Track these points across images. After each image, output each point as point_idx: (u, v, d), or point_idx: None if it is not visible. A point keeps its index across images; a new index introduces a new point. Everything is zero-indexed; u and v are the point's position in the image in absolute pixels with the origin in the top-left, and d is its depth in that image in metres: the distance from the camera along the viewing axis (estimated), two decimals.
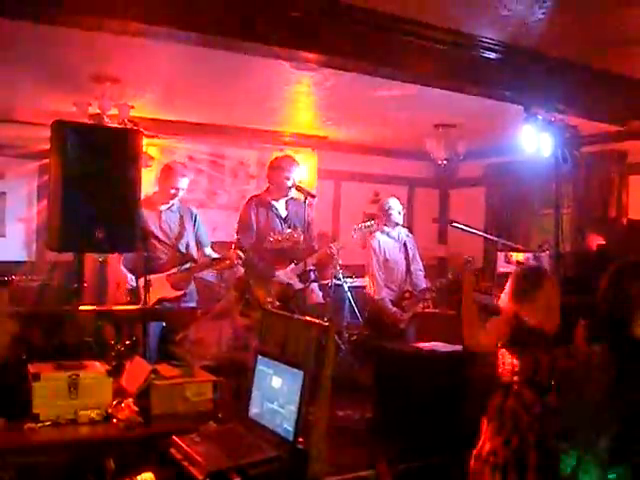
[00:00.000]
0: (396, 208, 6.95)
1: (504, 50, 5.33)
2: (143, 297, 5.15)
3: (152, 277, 5.18)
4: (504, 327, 3.75)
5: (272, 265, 5.99)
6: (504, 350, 3.77)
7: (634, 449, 3.28)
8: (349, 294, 8.22)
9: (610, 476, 3.14)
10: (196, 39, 4.56)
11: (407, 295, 6.87)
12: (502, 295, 3.90)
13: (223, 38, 4.51)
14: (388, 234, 6.95)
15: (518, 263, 7.44)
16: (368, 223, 6.58)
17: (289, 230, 5.94)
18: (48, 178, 4.41)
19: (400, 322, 6.74)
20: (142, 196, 4.76)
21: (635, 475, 3.27)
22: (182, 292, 5.85)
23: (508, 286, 3.84)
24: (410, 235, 7.21)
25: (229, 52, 5.06)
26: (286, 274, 5.99)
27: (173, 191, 5.96)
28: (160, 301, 5.64)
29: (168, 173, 6.06)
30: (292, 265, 6.02)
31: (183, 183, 6.01)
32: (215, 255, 6.04)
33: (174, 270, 5.81)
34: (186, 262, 5.84)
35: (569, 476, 3.39)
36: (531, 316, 3.72)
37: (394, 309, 6.76)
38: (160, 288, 5.63)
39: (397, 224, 6.98)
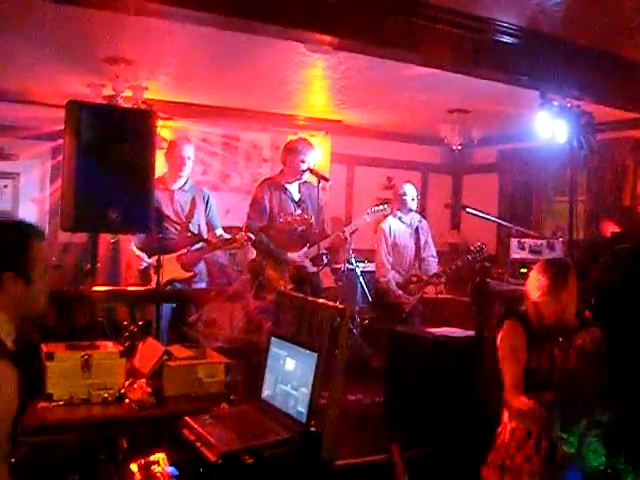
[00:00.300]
0: (410, 194, 6.96)
1: (521, 35, 5.28)
2: (155, 278, 5.16)
3: (162, 258, 5.17)
4: (521, 352, 3.64)
5: (284, 247, 5.98)
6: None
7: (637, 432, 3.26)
8: (361, 279, 8.20)
9: (617, 459, 3.13)
10: (211, 20, 4.54)
11: (414, 279, 6.89)
12: (532, 290, 3.77)
13: (238, 19, 4.48)
14: (400, 219, 6.98)
15: (530, 250, 7.40)
16: (381, 207, 6.60)
17: (300, 212, 5.93)
18: (62, 159, 4.40)
19: (405, 305, 6.77)
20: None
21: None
22: (192, 274, 5.83)
23: (539, 280, 3.73)
24: (423, 221, 7.22)
25: (243, 34, 5.05)
26: (299, 257, 5.99)
27: (178, 161, 5.93)
28: (170, 282, 5.62)
29: (172, 146, 6.07)
30: (305, 248, 6.02)
31: (187, 151, 5.98)
32: (227, 236, 6.02)
33: (184, 250, 5.79)
34: (197, 242, 5.83)
35: (574, 455, 3.37)
36: (557, 310, 3.66)
37: (399, 291, 6.82)
38: (170, 269, 5.61)
39: (410, 210, 6.99)
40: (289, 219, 5.77)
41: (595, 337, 3.59)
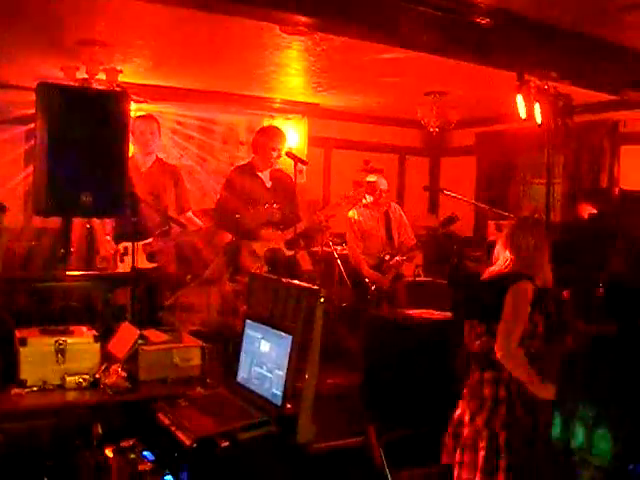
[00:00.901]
0: (380, 187, 7.08)
1: (498, 16, 5.26)
2: (121, 265, 5.11)
3: (129, 245, 5.07)
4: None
5: (258, 233, 5.95)
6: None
7: (618, 416, 3.28)
8: (339, 261, 8.19)
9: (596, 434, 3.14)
10: (184, 0, 4.49)
11: (387, 257, 6.93)
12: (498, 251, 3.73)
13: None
14: (367, 205, 7.06)
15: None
16: (353, 193, 6.64)
17: (272, 200, 5.89)
18: (34, 143, 4.33)
19: (380, 283, 6.85)
20: None
21: (616, 437, 3.26)
22: (157, 264, 5.71)
23: (520, 240, 3.62)
24: (393, 205, 7.35)
25: (218, 16, 4.98)
26: (274, 237, 5.95)
27: (142, 136, 5.79)
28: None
29: (133, 122, 5.86)
30: (278, 232, 5.98)
31: (151, 124, 5.87)
32: (196, 219, 5.94)
33: (150, 240, 5.67)
34: (167, 225, 5.69)
35: (559, 437, 3.37)
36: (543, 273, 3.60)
37: (370, 270, 6.91)
38: (139, 259, 5.48)
39: (378, 200, 7.08)
40: (259, 207, 5.75)
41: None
